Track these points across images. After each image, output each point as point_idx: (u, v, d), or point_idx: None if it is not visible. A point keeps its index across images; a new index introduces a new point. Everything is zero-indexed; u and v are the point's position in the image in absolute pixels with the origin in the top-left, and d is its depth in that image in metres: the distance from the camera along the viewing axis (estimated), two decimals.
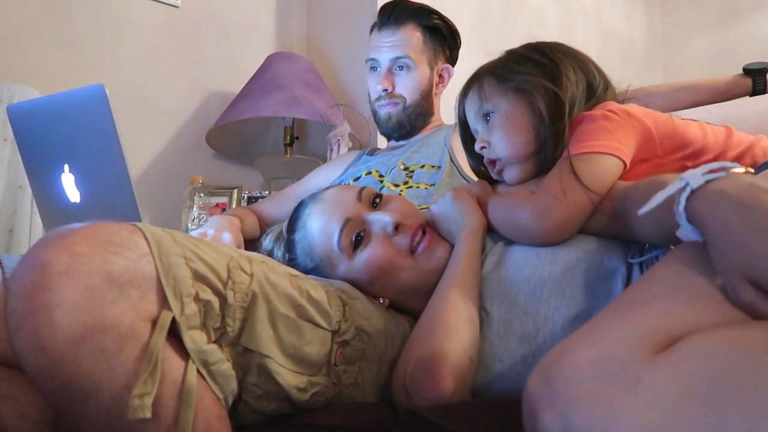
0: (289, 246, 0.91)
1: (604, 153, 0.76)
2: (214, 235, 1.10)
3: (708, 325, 0.46)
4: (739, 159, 0.81)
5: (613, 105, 0.83)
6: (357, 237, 0.83)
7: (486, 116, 0.88)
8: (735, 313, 0.48)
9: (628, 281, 0.72)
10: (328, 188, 0.93)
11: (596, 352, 0.44)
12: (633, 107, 0.82)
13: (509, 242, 0.81)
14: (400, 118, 1.41)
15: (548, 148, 0.82)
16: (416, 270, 0.82)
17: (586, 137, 0.78)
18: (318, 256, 0.86)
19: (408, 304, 0.85)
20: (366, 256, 0.82)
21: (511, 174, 0.87)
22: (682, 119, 0.85)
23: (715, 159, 0.81)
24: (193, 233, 1.12)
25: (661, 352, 0.43)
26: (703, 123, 0.85)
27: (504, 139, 0.86)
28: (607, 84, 0.89)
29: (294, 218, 0.92)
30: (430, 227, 0.87)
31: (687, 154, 0.81)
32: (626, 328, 0.46)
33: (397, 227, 0.83)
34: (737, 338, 0.42)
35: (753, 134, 0.86)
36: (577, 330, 0.49)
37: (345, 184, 1.37)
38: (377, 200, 0.88)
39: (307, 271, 0.84)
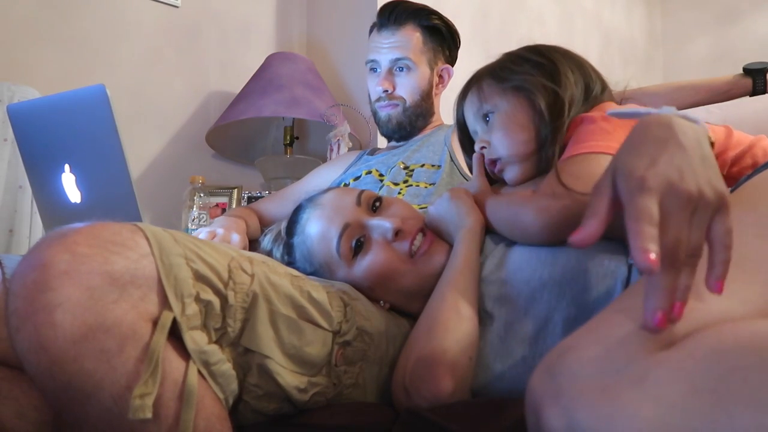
0: (288, 249, 0.91)
1: (603, 153, 0.76)
2: (224, 235, 1.10)
3: (713, 321, 0.46)
4: (739, 158, 0.81)
5: (612, 106, 0.83)
6: (357, 243, 0.82)
7: (485, 116, 0.88)
8: (739, 307, 0.48)
9: (627, 282, 0.72)
10: (326, 191, 0.92)
11: (602, 349, 0.44)
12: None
13: (510, 244, 0.81)
14: (400, 119, 1.41)
15: (548, 147, 0.82)
16: (416, 274, 0.82)
17: (585, 138, 0.78)
18: (317, 261, 0.86)
19: (409, 306, 0.85)
20: (366, 263, 0.82)
21: (511, 173, 0.87)
22: None
23: (715, 158, 0.81)
24: (202, 231, 1.12)
25: (666, 349, 0.43)
26: (703, 123, 0.85)
27: (504, 137, 0.86)
28: (604, 86, 0.89)
29: (292, 222, 0.91)
30: (429, 229, 0.87)
31: None
32: (632, 325, 0.46)
33: (397, 233, 0.83)
34: (744, 335, 0.42)
35: (753, 134, 0.86)
36: (581, 327, 0.49)
37: (345, 184, 1.38)
38: (377, 204, 0.88)
39: (306, 275, 0.84)
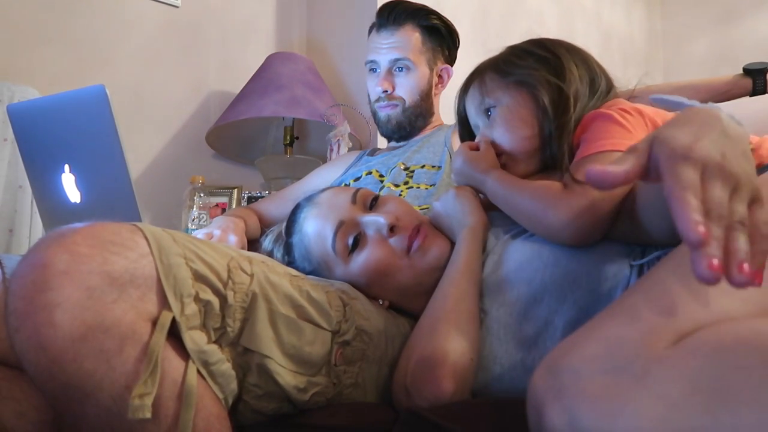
0: (288, 249, 0.91)
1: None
2: (221, 235, 1.10)
3: (714, 320, 0.46)
4: None
5: (625, 103, 0.82)
6: (354, 240, 0.82)
7: (487, 111, 0.87)
8: (741, 306, 0.48)
9: (628, 285, 0.71)
10: (323, 190, 0.93)
11: (604, 347, 0.44)
12: (643, 106, 0.82)
13: (509, 240, 0.81)
14: (399, 119, 1.41)
15: (553, 144, 0.81)
16: (412, 270, 0.82)
17: (606, 134, 0.76)
18: (315, 259, 0.86)
19: (407, 304, 0.85)
20: (362, 259, 0.82)
21: (514, 170, 0.85)
22: None
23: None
24: (199, 232, 1.12)
25: (668, 347, 0.43)
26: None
27: (507, 132, 0.84)
28: (609, 82, 0.88)
29: (291, 221, 0.91)
30: (426, 225, 0.86)
31: None
32: (634, 324, 0.46)
33: (392, 229, 0.82)
34: (745, 334, 0.42)
35: (753, 134, 0.86)
36: (583, 326, 0.49)
37: (345, 184, 1.38)
38: (373, 202, 0.88)
39: (305, 274, 0.84)
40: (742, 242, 0.41)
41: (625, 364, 0.42)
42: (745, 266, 0.40)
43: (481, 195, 0.88)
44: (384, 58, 1.39)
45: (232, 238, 1.11)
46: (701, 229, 0.39)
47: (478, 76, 0.89)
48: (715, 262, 0.38)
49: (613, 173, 0.44)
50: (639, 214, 0.69)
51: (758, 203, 0.44)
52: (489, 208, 0.87)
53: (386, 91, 1.40)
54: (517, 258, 0.77)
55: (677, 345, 0.43)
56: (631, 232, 0.73)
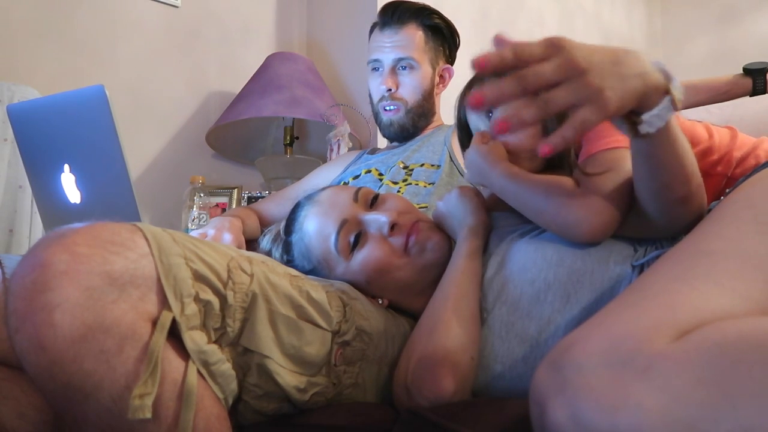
0: (287, 248, 0.91)
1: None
2: (215, 235, 1.10)
3: (717, 313, 0.46)
4: (743, 159, 0.81)
5: None
6: (354, 238, 0.83)
7: (489, 113, 0.88)
8: (742, 304, 0.48)
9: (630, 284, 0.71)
10: (323, 189, 0.93)
11: (607, 342, 0.45)
12: None
13: (512, 242, 0.81)
14: (402, 122, 1.41)
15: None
16: (411, 267, 0.82)
17: (609, 132, 0.77)
18: (315, 258, 0.86)
19: (407, 303, 0.85)
20: (362, 257, 0.82)
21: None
22: (688, 120, 0.85)
23: (720, 159, 0.82)
24: (193, 233, 1.12)
25: (671, 343, 0.43)
26: (709, 124, 0.86)
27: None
28: None
29: (291, 220, 0.91)
30: (424, 222, 0.87)
31: (693, 153, 0.81)
32: (637, 320, 0.47)
33: (393, 227, 0.83)
34: (748, 330, 0.42)
35: (753, 134, 0.86)
36: (586, 322, 0.49)
37: (344, 182, 1.38)
38: (374, 200, 0.88)
39: (304, 273, 0.84)
40: (525, 111, 0.51)
41: (628, 358, 0.43)
42: (502, 123, 0.50)
43: (485, 191, 0.88)
44: (388, 57, 1.39)
45: (227, 237, 1.10)
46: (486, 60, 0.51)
47: (478, 80, 0.90)
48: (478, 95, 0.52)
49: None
50: (636, 189, 0.71)
51: (597, 107, 0.53)
52: (492, 208, 0.87)
53: (390, 90, 1.39)
54: (521, 258, 0.77)
55: (680, 340, 0.43)
56: (635, 224, 0.73)
